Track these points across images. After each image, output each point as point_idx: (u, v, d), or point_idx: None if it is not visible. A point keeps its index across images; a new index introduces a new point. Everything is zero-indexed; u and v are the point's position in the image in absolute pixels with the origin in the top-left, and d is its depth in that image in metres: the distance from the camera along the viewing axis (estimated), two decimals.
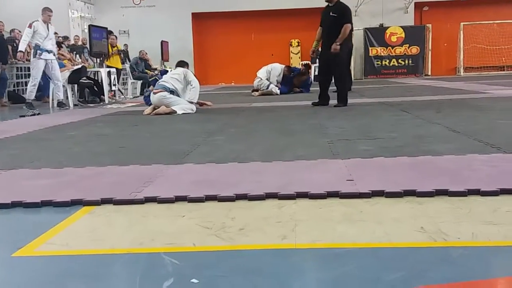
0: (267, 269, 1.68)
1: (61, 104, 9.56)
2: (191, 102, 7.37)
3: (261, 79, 11.46)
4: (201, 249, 1.88)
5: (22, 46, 9.11)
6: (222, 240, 1.95)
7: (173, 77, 7.43)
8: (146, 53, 15.21)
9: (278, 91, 11.35)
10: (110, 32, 12.87)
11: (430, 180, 2.67)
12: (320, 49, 7.93)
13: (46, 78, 10.67)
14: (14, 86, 11.84)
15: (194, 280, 1.59)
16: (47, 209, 2.50)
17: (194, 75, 7.81)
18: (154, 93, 7.27)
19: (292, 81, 11.71)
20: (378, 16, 19.38)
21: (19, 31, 12.46)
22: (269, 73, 11.58)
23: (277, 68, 11.74)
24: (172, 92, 7.24)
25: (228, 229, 2.07)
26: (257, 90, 11.53)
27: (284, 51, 20.18)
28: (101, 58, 11.72)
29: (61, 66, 10.06)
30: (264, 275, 1.63)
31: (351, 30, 7.69)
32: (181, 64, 7.89)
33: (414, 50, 19.45)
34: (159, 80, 7.52)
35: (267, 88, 11.34)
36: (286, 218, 2.19)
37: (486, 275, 1.61)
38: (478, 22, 19.49)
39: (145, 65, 14.57)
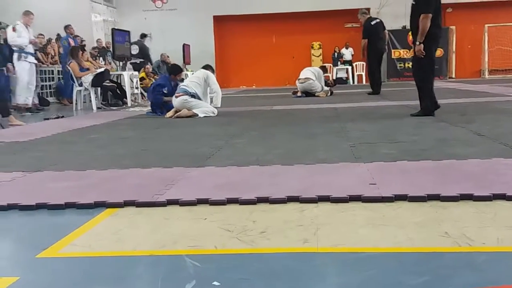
0: (288, 273, 1.67)
1: (31, 110, 9.54)
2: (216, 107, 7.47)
3: (314, 80, 11.06)
4: (223, 252, 1.88)
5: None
6: (243, 243, 1.95)
7: (192, 81, 7.53)
8: (168, 56, 15.33)
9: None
10: (154, 73, 13.63)
11: (454, 184, 2.64)
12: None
13: (67, 80, 10.79)
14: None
15: (215, 283, 1.59)
16: (70, 211, 2.54)
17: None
18: (176, 97, 7.34)
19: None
20: (400, 18, 19.11)
21: (43, 36, 12.64)
22: (318, 73, 11.23)
23: (321, 72, 11.51)
24: (193, 95, 7.30)
25: (249, 232, 2.07)
26: (297, 92, 11.24)
27: (305, 54, 20.10)
28: (124, 61, 11.83)
29: (84, 70, 10.18)
30: (285, 278, 1.63)
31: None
32: (205, 67, 7.99)
33: (438, 52, 19.10)
34: (180, 84, 7.60)
35: (320, 90, 11.01)
36: (307, 221, 2.18)
37: (511, 280, 1.58)
38: (503, 24, 19.15)
39: (166, 68, 14.70)
